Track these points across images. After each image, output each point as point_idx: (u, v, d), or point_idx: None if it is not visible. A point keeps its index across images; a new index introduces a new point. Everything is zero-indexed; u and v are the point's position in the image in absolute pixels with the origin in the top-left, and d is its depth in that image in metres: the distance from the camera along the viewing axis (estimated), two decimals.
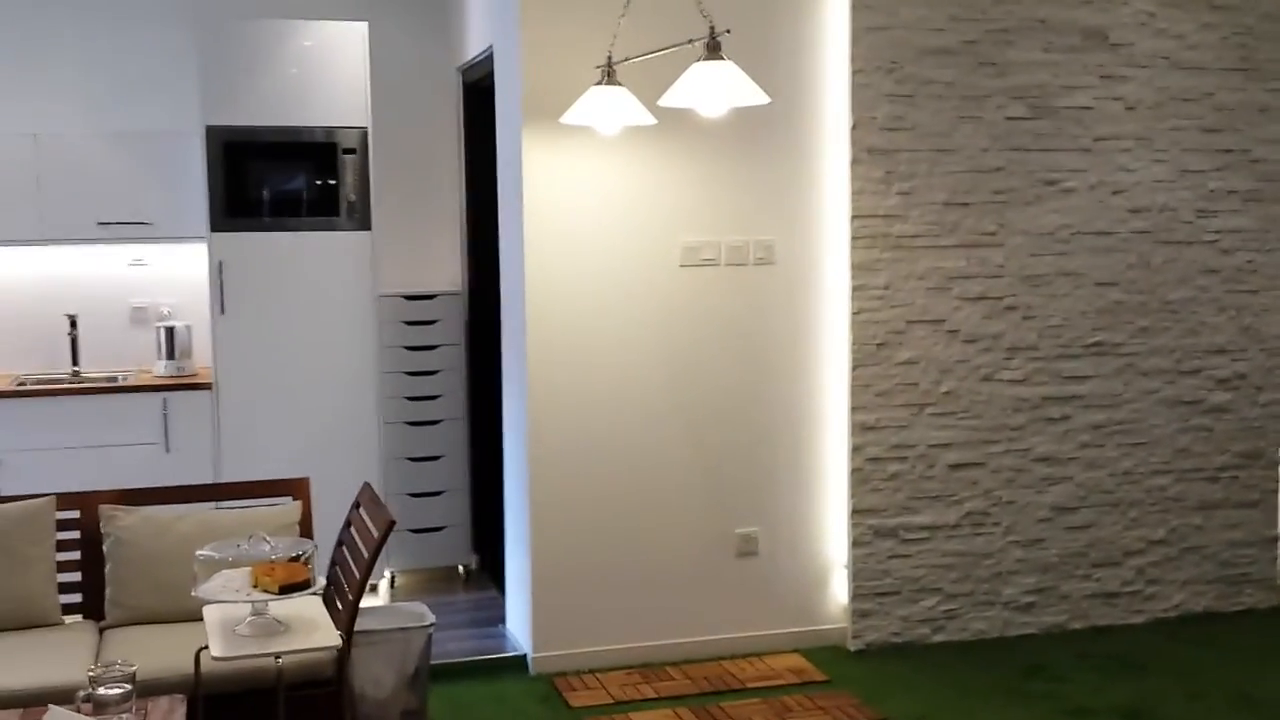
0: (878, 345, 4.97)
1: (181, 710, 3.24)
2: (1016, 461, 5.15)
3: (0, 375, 5.69)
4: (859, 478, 4.99)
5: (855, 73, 4.86)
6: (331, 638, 3.42)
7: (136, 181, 5.57)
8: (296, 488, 4.43)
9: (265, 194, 5.46)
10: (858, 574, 5.02)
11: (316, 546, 3.60)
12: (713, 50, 3.61)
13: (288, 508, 4.34)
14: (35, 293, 5.78)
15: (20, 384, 5.51)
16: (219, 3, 5.80)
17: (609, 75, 4.23)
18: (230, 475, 5.35)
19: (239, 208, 5.42)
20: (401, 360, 5.77)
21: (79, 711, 2.98)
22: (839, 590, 5.09)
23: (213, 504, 4.41)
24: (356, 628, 4.13)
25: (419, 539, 5.86)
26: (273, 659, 3.39)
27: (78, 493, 4.26)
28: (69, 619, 4.15)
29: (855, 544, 5.01)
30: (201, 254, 5.49)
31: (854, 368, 4.95)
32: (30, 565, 4.06)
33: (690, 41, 3.72)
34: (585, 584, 4.85)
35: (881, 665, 4.90)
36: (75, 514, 4.22)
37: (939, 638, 5.12)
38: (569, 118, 4.27)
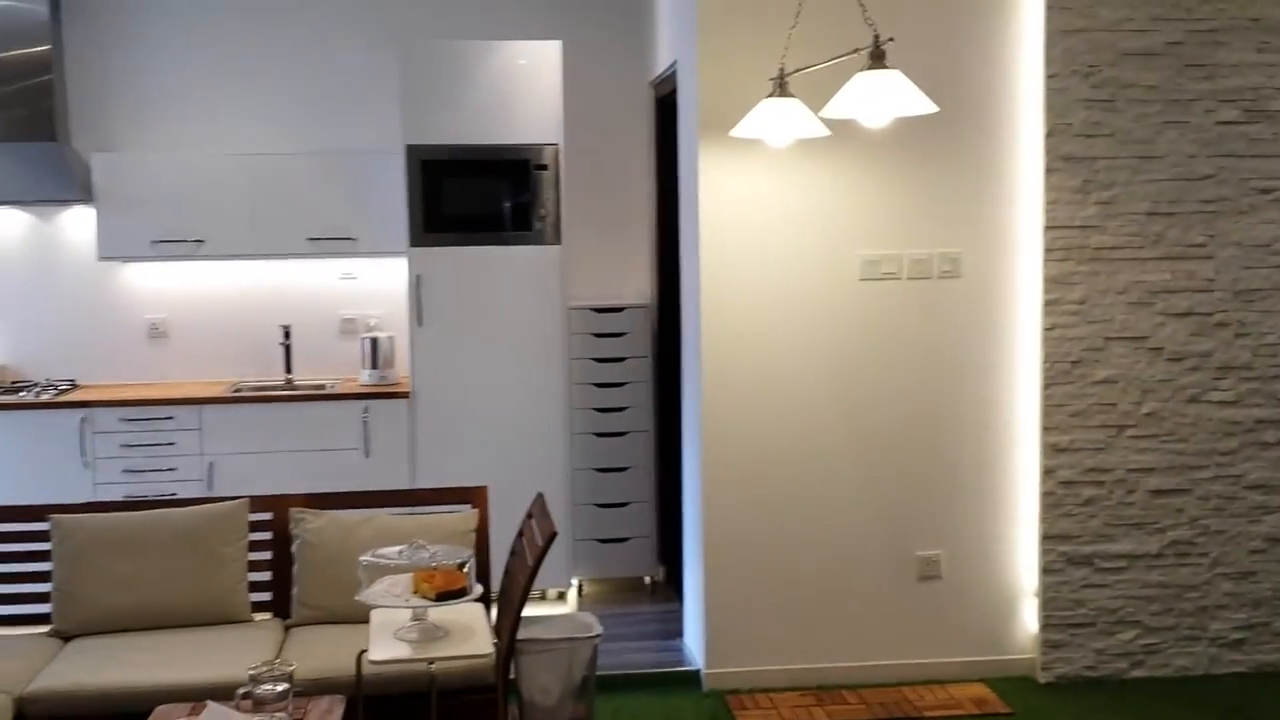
0: (1072, 363, 4.73)
1: (339, 710, 3.37)
2: (1226, 489, 4.81)
3: (218, 382, 6.05)
4: (1050, 502, 4.76)
5: (1049, 77, 4.65)
6: (485, 646, 3.49)
7: (343, 199, 5.84)
8: (475, 496, 4.54)
9: (461, 210, 5.63)
10: (1048, 603, 4.79)
11: (474, 555, 3.67)
12: (876, 59, 3.51)
13: (465, 515, 4.45)
14: (252, 304, 6.13)
15: (236, 390, 5.84)
16: (420, 26, 6.03)
17: (781, 87, 4.18)
18: (425, 481, 5.53)
19: (436, 223, 5.60)
20: (590, 372, 5.85)
21: (238, 708, 3.13)
22: (1028, 619, 4.87)
23: (395, 509, 4.55)
24: (525, 636, 4.22)
25: (606, 549, 5.92)
26: (426, 664, 3.47)
27: (270, 495, 4.48)
28: (259, 617, 4.37)
29: (1046, 571, 4.78)
30: (405, 268, 5.71)
31: (1046, 386, 4.73)
32: (224, 564, 4.30)
33: (857, 50, 3.63)
34: (760, 601, 4.80)
35: (1071, 700, 4.66)
36: (268, 516, 4.45)
37: (1137, 673, 4.83)
38: (740, 130, 4.24)
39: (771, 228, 4.69)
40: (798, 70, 4.14)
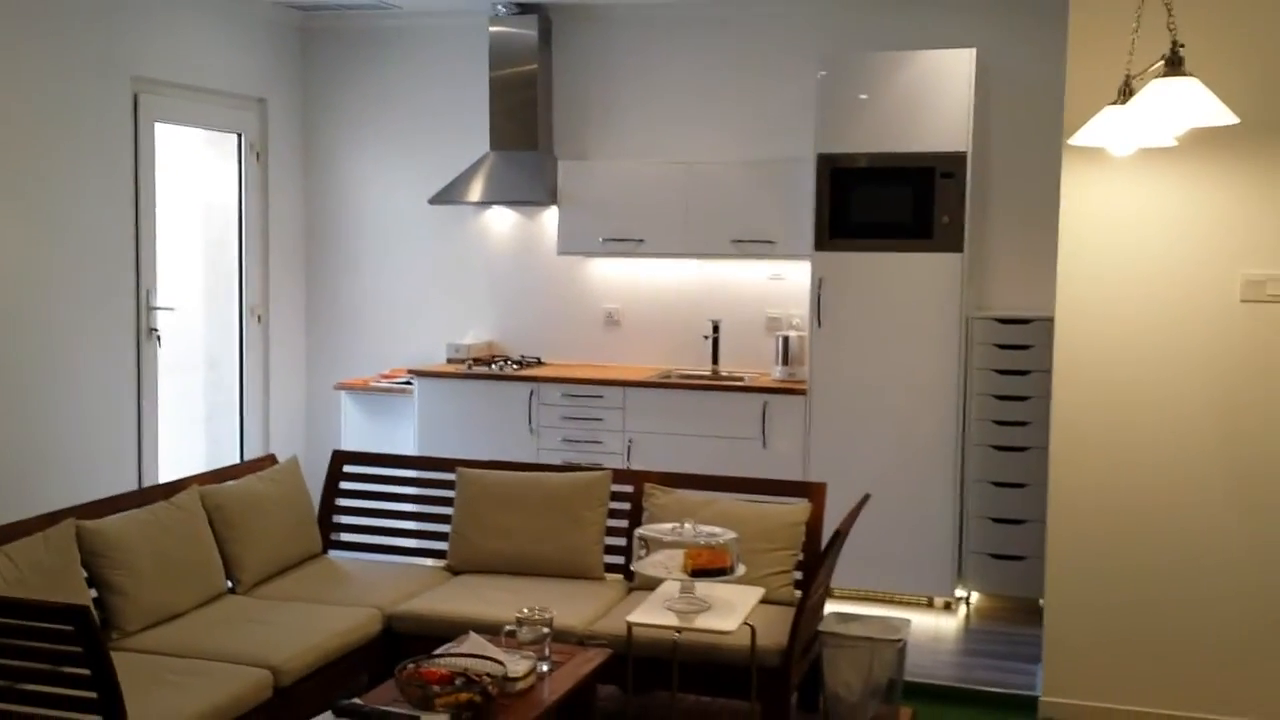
0: None
1: (598, 660, 3.77)
2: None
3: (648, 367, 6.65)
4: None
5: None
6: (730, 625, 3.72)
7: (764, 204, 6.21)
8: (813, 491, 4.74)
9: (864, 216, 5.80)
10: None
11: (736, 537, 3.89)
12: (1172, 65, 3.30)
13: (798, 508, 4.67)
14: (690, 299, 6.68)
15: (665, 376, 6.40)
16: (842, 39, 6.26)
17: (1125, 94, 3.97)
18: (816, 475, 5.74)
19: (841, 229, 5.82)
20: (991, 383, 5.76)
21: (501, 643, 3.61)
22: None
23: (738, 495, 4.85)
24: (829, 630, 4.38)
25: (999, 565, 5.81)
26: (675, 633, 3.77)
27: (629, 470, 4.98)
28: (611, 577, 4.86)
29: None
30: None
31: None
32: (584, 527, 4.84)
33: (1163, 58, 3.41)
34: (1108, 637, 4.55)
35: None
36: (629, 488, 4.94)
37: None
38: (1078, 139, 4.07)
39: (1136, 243, 4.44)
40: (1137, 75, 3.91)
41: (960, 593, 5.89)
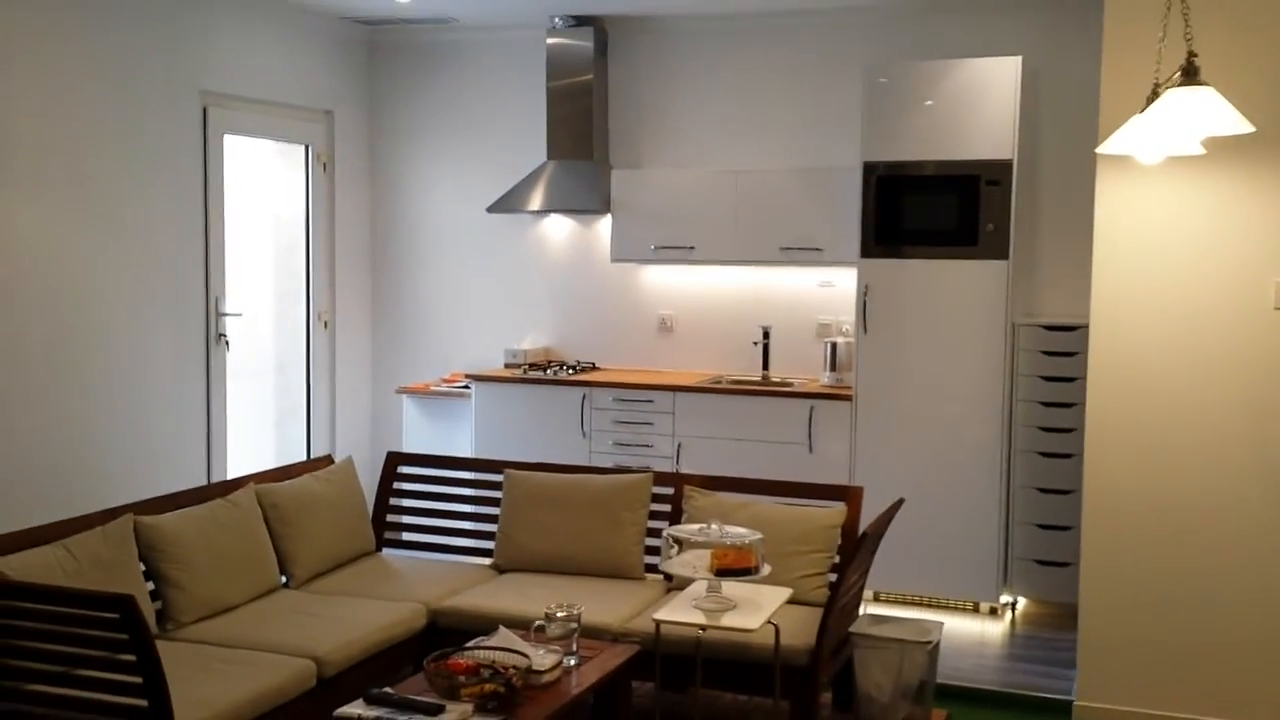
0: None
1: (626, 656, 3.89)
2: None
3: (700, 373, 6.75)
4: None
5: None
6: (752, 623, 3.81)
7: (811, 212, 6.28)
8: (850, 494, 4.81)
9: (910, 224, 5.85)
10: None
11: (762, 538, 3.98)
12: (1189, 75, 3.33)
13: (835, 511, 4.74)
14: (741, 306, 6.77)
15: (715, 381, 6.50)
16: (887, 49, 6.33)
17: (1151, 103, 3.99)
18: (860, 481, 5.81)
19: (886, 236, 5.87)
20: (1037, 390, 5.78)
21: (529, 638, 3.74)
22: None
23: (776, 498, 4.93)
24: (860, 631, 4.45)
25: (1045, 571, 5.81)
26: (699, 630, 3.88)
27: (670, 473, 5.10)
28: (651, 577, 4.97)
29: None
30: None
31: None
32: (624, 528, 4.96)
33: (1179, 69, 3.44)
34: (1142, 641, 4.55)
35: None
36: (670, 490, 5.05)
37: None
38: (1106, 148, 4.10)
39: (1169, 250, 4.44)
40: (1163, 84, 3.93)
41: (1006, 598, 5.90)
